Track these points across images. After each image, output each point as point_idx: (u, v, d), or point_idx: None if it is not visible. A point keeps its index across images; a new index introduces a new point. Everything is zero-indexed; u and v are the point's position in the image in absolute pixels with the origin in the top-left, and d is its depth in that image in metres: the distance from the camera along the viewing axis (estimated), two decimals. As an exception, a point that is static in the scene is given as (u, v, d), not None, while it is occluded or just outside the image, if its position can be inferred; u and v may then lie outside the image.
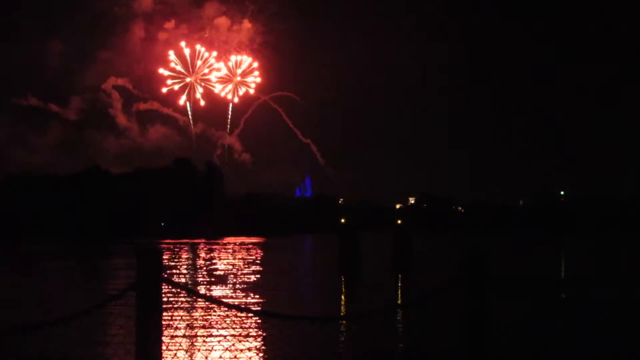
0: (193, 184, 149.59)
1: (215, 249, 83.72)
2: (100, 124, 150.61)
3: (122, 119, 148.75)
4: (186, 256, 67.88)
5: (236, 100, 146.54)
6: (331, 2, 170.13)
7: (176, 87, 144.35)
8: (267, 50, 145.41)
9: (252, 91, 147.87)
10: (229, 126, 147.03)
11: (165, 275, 11.96)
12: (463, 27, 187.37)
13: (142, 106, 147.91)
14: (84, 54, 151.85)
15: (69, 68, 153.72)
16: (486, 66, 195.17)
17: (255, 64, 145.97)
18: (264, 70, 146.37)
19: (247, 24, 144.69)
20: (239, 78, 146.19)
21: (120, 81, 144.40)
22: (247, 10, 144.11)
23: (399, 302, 30.15)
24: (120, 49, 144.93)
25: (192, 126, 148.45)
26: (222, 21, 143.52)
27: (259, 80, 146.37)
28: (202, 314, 25.79)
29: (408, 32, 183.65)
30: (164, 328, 12.11)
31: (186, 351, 19.21)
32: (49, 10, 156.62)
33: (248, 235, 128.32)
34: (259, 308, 28.28)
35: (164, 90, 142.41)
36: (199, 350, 19.35)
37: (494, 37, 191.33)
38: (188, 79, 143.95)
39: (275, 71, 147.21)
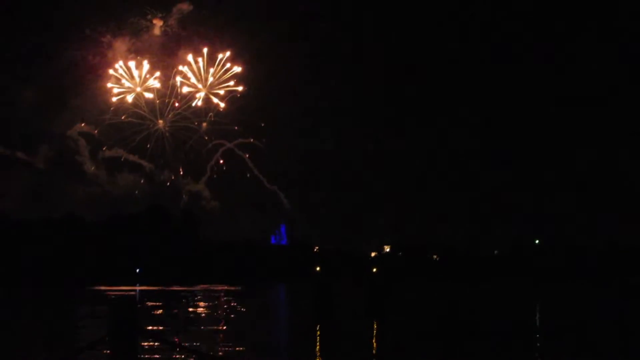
0: (168, 231, 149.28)
1: (190, 296, 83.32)
2: (69, 172, 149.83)
3: (89, 166, 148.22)
4: (162, 303, 67.52)
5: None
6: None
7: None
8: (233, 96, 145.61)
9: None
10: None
11: (139, 324, 12.00)
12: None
13: (108, 153, 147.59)
14: (53, 102, 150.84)
15: (38, 116, 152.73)
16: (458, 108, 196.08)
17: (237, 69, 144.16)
18: (228, 112, 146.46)
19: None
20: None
21: (86, 128, 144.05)
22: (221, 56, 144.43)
23: (374, 351, 30.15)
24: (90, 97, 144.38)
25: (160, 174, 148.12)
26: (195, 69, 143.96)
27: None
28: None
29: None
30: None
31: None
32: (18, 57, 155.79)
33: (223, 282, 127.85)
34: (231, 357, 28.21)
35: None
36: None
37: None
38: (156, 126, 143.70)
39: (238, 115, 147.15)
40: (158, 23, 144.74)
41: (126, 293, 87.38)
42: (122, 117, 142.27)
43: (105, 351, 12.61)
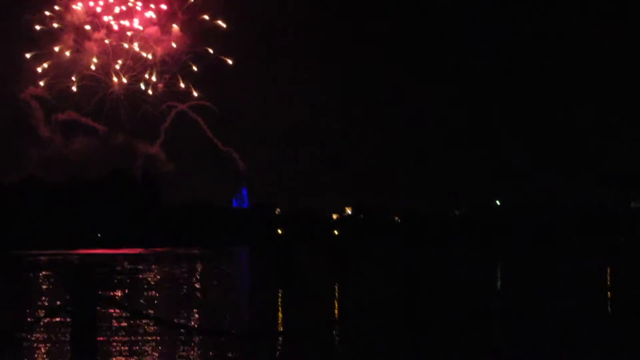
0: (129, 194, 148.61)
1: (151, 260, 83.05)
2: (24, 135, 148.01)
3: (44, 130, 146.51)
4: (122, 268, 67.18)
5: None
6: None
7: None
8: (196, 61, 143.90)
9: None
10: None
11: (99, 292, 11.77)
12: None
13: (61, 116, 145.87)
14: (7, 65, 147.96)
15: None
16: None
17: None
18: (186, 77, 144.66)
19: (177, 32, 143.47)
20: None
21: (39, 91, 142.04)
22: (177, 18, 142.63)
23: (336, 316, 30.12)
24: (45, 59, 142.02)
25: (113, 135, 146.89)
26: (152, 30, 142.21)
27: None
28: (135, 332, 25.44)
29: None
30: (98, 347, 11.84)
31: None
32: None
33: (184, 246, 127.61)
34: (192, 324, 28.05)
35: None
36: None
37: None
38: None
39: (195, 79, 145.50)
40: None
41: (85, 260, 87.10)
42: (75, 81, 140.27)
43: (65, 318, 12.38)
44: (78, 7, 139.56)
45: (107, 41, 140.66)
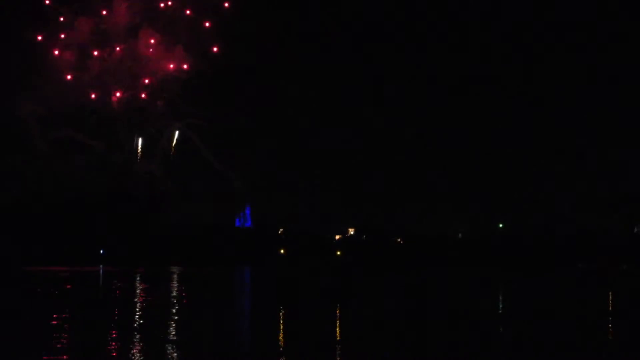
0: (130, 212, 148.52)
1: (155, 277, 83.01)
2: (22, 153, 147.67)
3: (40, 147, 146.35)
4: (124, 285, 67.17)
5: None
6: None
7: None
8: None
9: None
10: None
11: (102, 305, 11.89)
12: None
13: (57, 133, 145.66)
14: (6, 82, 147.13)
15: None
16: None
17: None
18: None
19: (180, 52, 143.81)
20: None
21: (36, 107, 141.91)
22: (181, 37, 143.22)
23: (338, 337, 30.16)
24: (45, 76, 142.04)
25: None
26: (155, 49, 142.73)
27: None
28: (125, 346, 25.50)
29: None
30: None
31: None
32: None
33: (186, 264, 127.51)
34: (199, 342, 28.10)
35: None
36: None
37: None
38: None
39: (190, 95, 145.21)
40: (123, 4, 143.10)
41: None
42: (75, 99, 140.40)
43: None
44: (82, 25, 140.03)
45: (107, 60, 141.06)
